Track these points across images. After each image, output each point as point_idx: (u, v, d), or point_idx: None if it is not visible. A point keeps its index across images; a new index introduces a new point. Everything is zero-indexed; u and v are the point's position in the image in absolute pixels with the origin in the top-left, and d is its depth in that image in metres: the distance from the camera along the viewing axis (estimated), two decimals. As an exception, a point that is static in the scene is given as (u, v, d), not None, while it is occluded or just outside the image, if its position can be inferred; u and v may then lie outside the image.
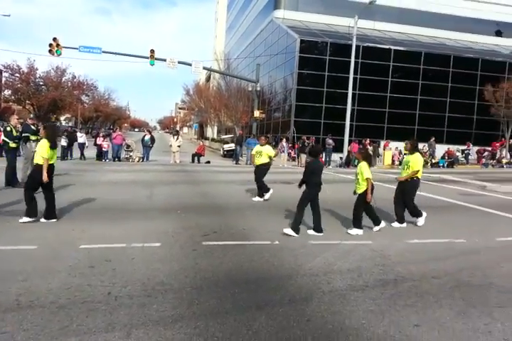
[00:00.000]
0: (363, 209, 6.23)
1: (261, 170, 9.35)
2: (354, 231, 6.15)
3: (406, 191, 6.87)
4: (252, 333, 3.03)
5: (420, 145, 24.01)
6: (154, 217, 7.11)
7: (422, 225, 6.90)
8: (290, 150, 24.33)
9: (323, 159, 22.02)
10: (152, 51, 23.12)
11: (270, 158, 9.50)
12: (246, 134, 28.10)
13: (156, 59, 23.12)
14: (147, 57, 23.04)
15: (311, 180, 6.11)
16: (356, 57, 24.13)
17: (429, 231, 6.49)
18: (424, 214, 6.92)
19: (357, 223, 6.20)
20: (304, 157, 21.36)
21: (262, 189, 9.15)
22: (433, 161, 22.96)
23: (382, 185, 12.24)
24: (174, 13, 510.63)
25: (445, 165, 22.71)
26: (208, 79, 64.13)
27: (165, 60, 23.39)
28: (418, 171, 6.78)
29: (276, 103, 33.14)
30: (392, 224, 6.83)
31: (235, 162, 22.33)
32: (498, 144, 25.79)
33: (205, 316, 3.30)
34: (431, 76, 28.18)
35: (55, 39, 22.04)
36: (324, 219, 6.34)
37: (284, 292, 3.86)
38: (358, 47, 24.76)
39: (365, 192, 6.06)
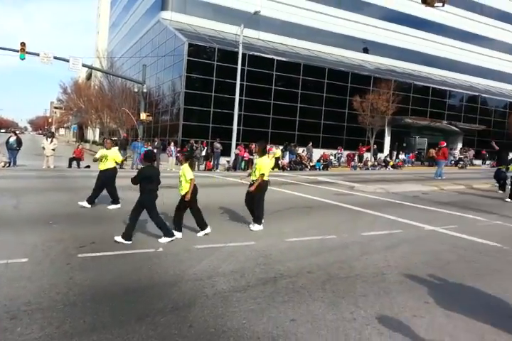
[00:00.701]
0: (192, 212, 6.26)
1: (108, 176, 8.63)
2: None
3: (255, 194, 6.89)
4: (131, 346, 2.91)
5: (300, 150, 25.88)
6: (21, 229, 6.37)
7: (288, 227, 7.13)
8: (178, 154, 24.00)
9: (212, 163, 22.23)
10: (23, 44, 20.71)
11: (117, 163, 8.89)
12: (132, 137, 26.90)
13: (27, 53, 20.76)
14: (17, 51, 20.57)
15: (145, 186, 5.79)
16: (243, 64, 24.91)
17: (306, 229, 6.97)
18: (261, 226, 6.91)
19: (176, 226, 6.19)
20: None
21: (113, 196, 8.59)
22: (311, 164, 24.80)
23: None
24: (50, 3, 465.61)
25: (321, 167, 24.72)
26: (89, 77, 59.90)
27: (38, 55, 21.16)
28: (264, 175, 6.82)
29: (164, 106, 32.41)
30: (251, 227, 6.88)
31: (119, 166, 21.16)
32: (364, 149, 29.07)
33: (79, 334, 3.07)
34: (309, 86, 30.46)
35: None
36: (209, 222, 6.40)
37: (167, 300, 3.79)
38: (244, 55, 25.58)
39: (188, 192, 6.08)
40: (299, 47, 34.34)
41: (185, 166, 6.23)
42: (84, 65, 23.67)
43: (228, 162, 23.11)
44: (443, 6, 9.58)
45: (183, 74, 27.24)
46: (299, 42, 34.77)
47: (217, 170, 21.47)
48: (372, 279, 4.57)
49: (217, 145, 22.27)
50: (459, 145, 36.78)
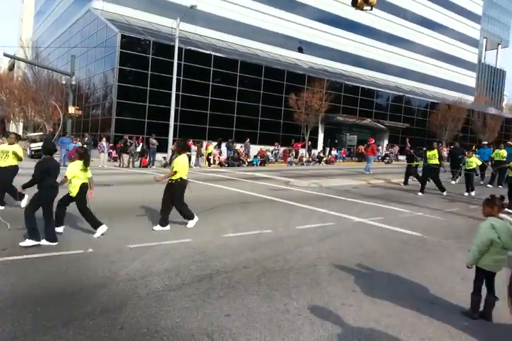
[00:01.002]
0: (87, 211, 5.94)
1: (7, 174, 7.84)
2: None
3: (173, 193, 6.65)
4: (56, 353, 2.76)
5: (238, 146, 26.01)
6: None
7: (225, 223, 7.17)
8: (111, 150, 23.03)
9: (147, 159, 21.60)
10: None
11: (20, 159, 8.00)
12: (59, 132, 25.30)
13: None
14: None
15: (45, 181, 5.40)
16: (179, 59, 24.40)
17: (243, 224, 7.03)
18: (196, 218, 6.84)
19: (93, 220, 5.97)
20: (125, 157, 20.52)
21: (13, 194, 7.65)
22: (248, 160, 25.04)
23: (203, 183, 12.76)
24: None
25: (258, 163, 25.05)
26: (12, 68, 55.31)
27: None
28: (176, 172, 6.64)
29: (95, 99, 30.84)
30: (154, 228, 6.50)
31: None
32: (299, 145, 29.94)
33: (-4, 344, 2.84)
34: (246, 83, 30.66)
35: None
36: (144, 220, 6.23)
37: (96, 302, 3.64)
38: (180, 49, 25.07)
39: (83, 191, 5.87)
40: (236, 44, 34.39)
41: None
42: (6, 55, 21.85)
43: (165, 158, 22.58)
44: (371, 9, 10.09)
45: (116, 66, 26.11)
46: (237, 40, 34.83)
47: (154, 167, 20.91)
48: (305, 271, 4.73)
49: (153, 141, 21.67)
50: (385, 142, 39.09)
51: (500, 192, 9.77)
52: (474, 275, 3.75)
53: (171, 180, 6.77)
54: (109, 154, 22.60)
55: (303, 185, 13.42)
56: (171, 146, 22.43)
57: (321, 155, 29.93)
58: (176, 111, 24.67)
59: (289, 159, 27.42)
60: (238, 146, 26.14)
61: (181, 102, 26.72)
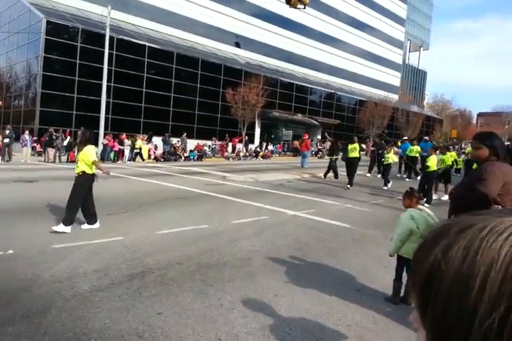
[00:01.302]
0: None
1: None
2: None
3: (73, 188, 6.13)
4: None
5: (174, 140, 25.50)
6: None
7: (160, 219, 7.03)
8: (35, 144, 21.47)
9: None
10: None
11: None
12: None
13: None
14: None
15: None
16: (111, 48, 23.27)
17: (178, 220, 6.92)
18: (87, 226, 6.14)
19: None
20: (51, 151, 19.25)
21: None
22: (185, 155, 24.67)
23: (137, 179, 12.36)
24: None
25: (195, 158, 24.78)
26: None
27: None
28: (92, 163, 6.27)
29: (17, 89, 28.47)
30: (82, 226, 6.12)
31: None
32: (237, 140, 30.05)
33: None
34: (183, 76, 30.07)
35: None
36: (73, 218, 5.90)
37: (17, 307, 3.39)
38: (112, 38, 23.90)
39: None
40: (172, 36, 33.51)
41: None
42: None
43: (96, 153, 21.51)
44: (304, 8, 10.34)
45: (41, 54, 24.30)
46: (173, 31, 33.94)
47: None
48: (240, 264, 4.78)
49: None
50: (318, 137, 40.51)
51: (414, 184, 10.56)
52: (396, 263, 4.03)
53: (77, 174, 6.27)
54: (33, 148, 21.09)
55: (239, 179, 13.50)
56: (102, 140, 21.42)
57: (258, 150, 30.29)
58: (108, 103, 23.56)
59: (226, 154, 27.43)
60: (175, 141, 25.63)
61: (113, 94, 25.56)
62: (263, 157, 29.33)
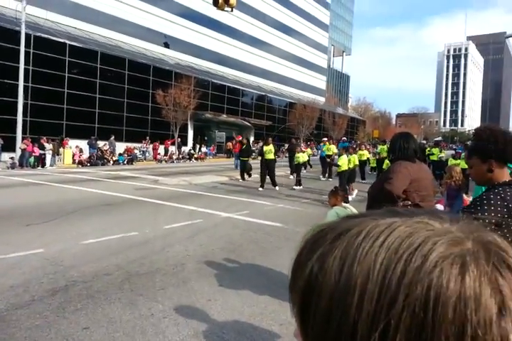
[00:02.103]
0: None
1: None
2: None
3: None
4: None
5: (101, 143, 24.32)
6: None
7: (85, 228, 6.63)
8: None
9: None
10: None
11: None
12: None
13: None
14: None
15: None
16: (27, 46, 21.63)
17: (105, 228, 6.58)
18: None
19: None
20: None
21: None
22: (114, 158, 23.65)
23: (59, 186, 11.58)
24: None
25: (125, 161, 23.85)
26: None
27: None
28: None
29: None
30: None
31: None
32: (169, 142, 29.44)
33: None
34: (109, 76, 28.77)
35: None
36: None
37: None
38: (28, 35, 22.23)
39: None
40: (95, 34, 31.93)
41: None
42: None
43: (13, 158, 19.85)
44: (231, 11, 10.40)
45: None
46: (96, 29, 32.33)
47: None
48: (172, 271, 4.67)
49: (-3, 139, 18.86)
50: (251, 138, 41.01)
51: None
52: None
53: None
54: None
55: (172, 182, 13.23)
56: (20, 145, 19.82)
57: (192, 152, 29.91)
58: (26, 104, 21.85)
59: (158, 157, 26.75)
60: (101, 144, 24.44)
61: (32, 95, 23.73)
62: (197, 159, 29.04)
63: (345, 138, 23.91)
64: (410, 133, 3.73)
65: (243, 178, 14.68)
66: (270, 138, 13.45)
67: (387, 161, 12.61)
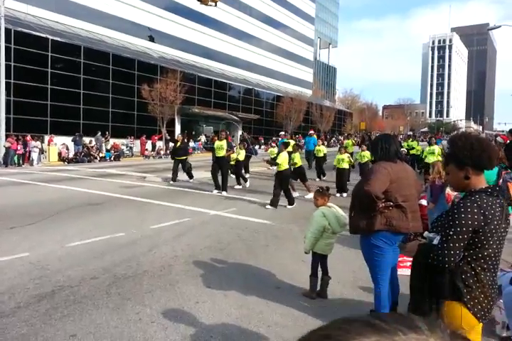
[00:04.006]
0: None
1: None
2: None
3: None
4: None
5: (87, 140, 24.01)
6: None
7: (69, 230, 6.49)
8: None
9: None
10: None
11: None
12: None
13: None
14: None
15: None
16: (8, 41, 21.15)
17: (91, 230, 6.50)
18: None
19: None
20: None
21: None
22: (100, 155, 23.39)
23: (44, 185, 11.43)
24: None
25: (112, 158, 23.61)
26: None
27: None
28: None
29: None
30: None
31: None
32: (156, 137, 29.20)
33: None
34: (92, 71, 28.30)
35: None
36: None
37: None
38: (9, 30, 21.73)
39: None
40: (78, 28, 31.32)
41: None
42: None
43: (-4, 157, 19.49)
44: (215, 5, 10.29)
45: None
46: (79, 23, 31.70)
47: (-19, 168, 17.88)
48: (160, 273, 4.66)
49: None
50: (239, 132, 40.88)
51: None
52: (311, 259, 4.21)
53: None
54: None
55: (160, 180, 13.14)
56: (3, 143, 19.47)
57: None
58: (8, 101, 21.42)
59: (146, 152, 26.53)
60: (87, 140, 24.14)
61: (14, 92, 23.26)
62: (184, 154, 28.85)
63: (312, 131, 21.89)
64: (391, 134, 3.78)
65: (174, 179, 12.52)
66: (224, 132, 11.58)
67: (363, 153, 12.14)
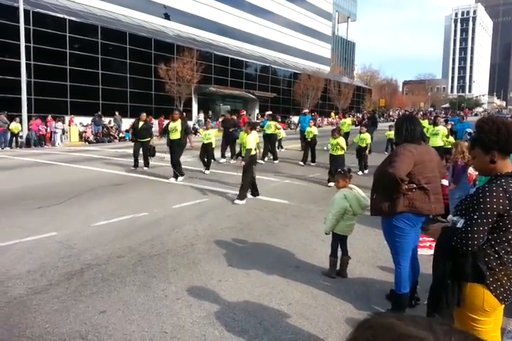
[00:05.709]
0: None
1: None
2: None
3: None
4: None
5: (106, 120, 24.25)
6: None
7: (94, 209, 6.58)
8: None
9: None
10: None
11: None
12: None
13: None
14: None
15: None
16: (27, 23, 21.24)
17: (115, 209, 6.69)
18: None
19: None
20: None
21: None
22: (120, 135, 23.66)
23: (67, 165, 11.69)
24: None
25: (129, 139, 23.82)
26: None
27: None
28: None
29: None
30: None
31: None
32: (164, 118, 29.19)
33: None
34: (110, 51, 28.27)
35: None
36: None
37: None
38: (27, 11, 21.78)
39: None
40: (94, 7, 31.13)
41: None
42: None
43: (21, 137, 19.95)
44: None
45: None
46: (93, 2, 31.49)
47: (8, 149, 18.38)
48: (183, 252, 4.80)
49: (4, 118, 18.86)
50: (256, 111, 40.60)
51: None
52: (331, 239, 4.26)
53: None
54: None
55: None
56: (25, 124, 19.87)
57: (196, 126, 29.76)
58: (29, 82, 21.71)
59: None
60: (107, 121, 24.40)
61: (34, 73, 23.52)
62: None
63: (306, 110, 20.50)
64: (415, 115, 3.70)
65: (136, 165, 11.21)
66: (177, 112, 10.01)
67: (362, 136, 10.94)
